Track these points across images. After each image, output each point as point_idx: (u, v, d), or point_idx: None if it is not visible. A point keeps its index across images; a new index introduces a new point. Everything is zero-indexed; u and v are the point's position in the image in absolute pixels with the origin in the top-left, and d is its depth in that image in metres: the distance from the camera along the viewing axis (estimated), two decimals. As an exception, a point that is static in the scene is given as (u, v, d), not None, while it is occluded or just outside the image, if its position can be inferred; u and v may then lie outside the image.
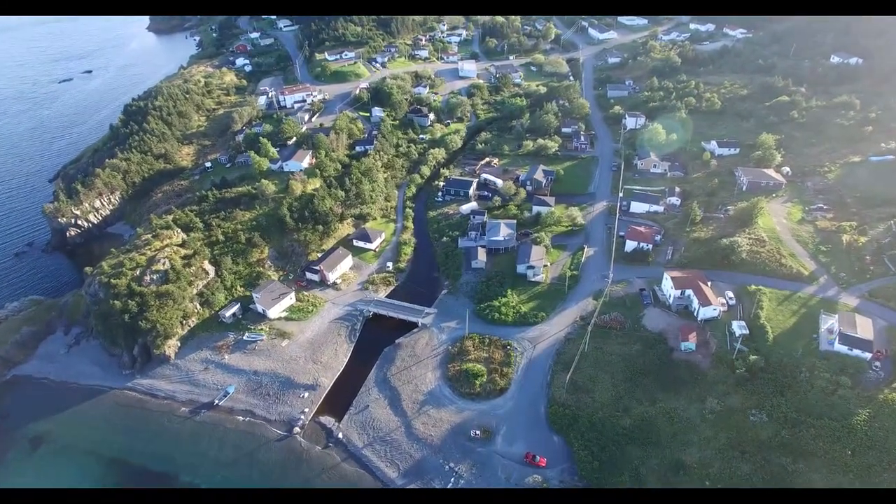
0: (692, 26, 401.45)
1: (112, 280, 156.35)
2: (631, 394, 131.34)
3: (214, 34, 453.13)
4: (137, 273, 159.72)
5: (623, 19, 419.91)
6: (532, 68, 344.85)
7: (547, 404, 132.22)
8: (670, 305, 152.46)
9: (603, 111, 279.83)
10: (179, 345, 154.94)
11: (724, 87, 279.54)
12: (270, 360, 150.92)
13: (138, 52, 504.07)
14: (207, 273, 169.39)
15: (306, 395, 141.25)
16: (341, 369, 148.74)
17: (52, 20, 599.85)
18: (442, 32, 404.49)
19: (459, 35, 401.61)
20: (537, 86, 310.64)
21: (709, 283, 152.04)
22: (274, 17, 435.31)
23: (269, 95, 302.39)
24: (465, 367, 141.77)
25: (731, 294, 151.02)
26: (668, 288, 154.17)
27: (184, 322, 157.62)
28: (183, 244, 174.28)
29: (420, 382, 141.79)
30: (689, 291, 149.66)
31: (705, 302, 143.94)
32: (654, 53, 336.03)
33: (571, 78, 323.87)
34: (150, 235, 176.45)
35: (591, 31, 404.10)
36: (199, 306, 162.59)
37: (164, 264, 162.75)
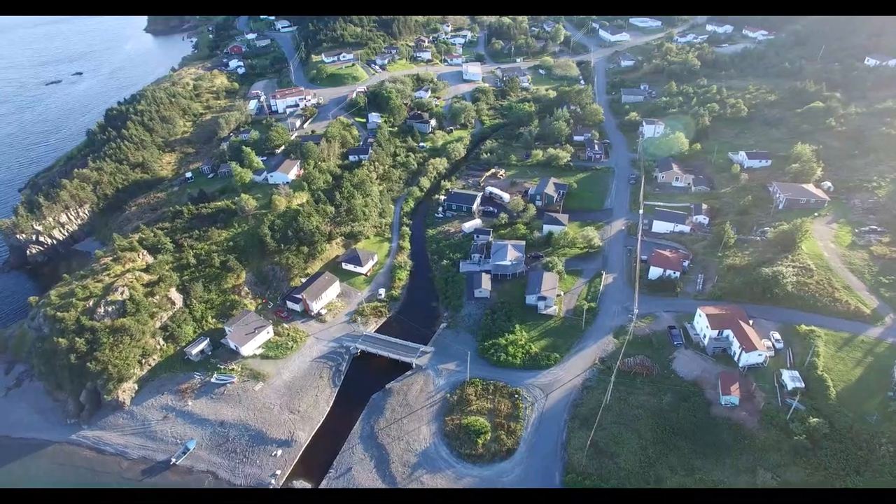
0: (709, 27, 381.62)
1: (59, 313, 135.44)
2: (663, 459, 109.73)
3: (211, 35, 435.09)
4: (90, 304, 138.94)
5: (635, 20, 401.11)
6: (541, 71, 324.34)
7: (563, 471, 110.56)
8: (705, 347, 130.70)
9: (617, 117, 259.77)
10: (137, 388, 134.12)
11: (748, 93, 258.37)
12: (241, 408, 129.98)
13: (133, 53, 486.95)
14: (174, 303, 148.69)
15: (279, 452, 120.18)
16: (322, 420, 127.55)
17: (49, 21, 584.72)
18: (446, 34, 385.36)
19: (464, 36, 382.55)
20: (546, 90, 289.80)
21: (750, 322, 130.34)
22: (272, 17, 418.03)
23: (260, 99, 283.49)
24: (465, 422, 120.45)
25: (777, 335, 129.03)
26: (703, 327, 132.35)
27: (143, 361, 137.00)
28: (147, 269, 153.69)
29: (413, 439, 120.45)
30: (727, 332, 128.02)
31: (749, 346, 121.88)
32: (671, 56, 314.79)
33: (583, 82, 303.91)
34: (110, 259, 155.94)
35: (602, 32, 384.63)
36: (162, 342, 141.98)
37: (122, 293, 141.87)
